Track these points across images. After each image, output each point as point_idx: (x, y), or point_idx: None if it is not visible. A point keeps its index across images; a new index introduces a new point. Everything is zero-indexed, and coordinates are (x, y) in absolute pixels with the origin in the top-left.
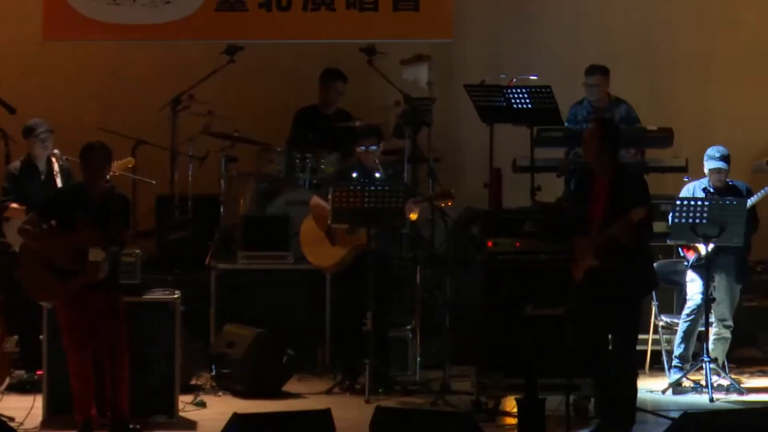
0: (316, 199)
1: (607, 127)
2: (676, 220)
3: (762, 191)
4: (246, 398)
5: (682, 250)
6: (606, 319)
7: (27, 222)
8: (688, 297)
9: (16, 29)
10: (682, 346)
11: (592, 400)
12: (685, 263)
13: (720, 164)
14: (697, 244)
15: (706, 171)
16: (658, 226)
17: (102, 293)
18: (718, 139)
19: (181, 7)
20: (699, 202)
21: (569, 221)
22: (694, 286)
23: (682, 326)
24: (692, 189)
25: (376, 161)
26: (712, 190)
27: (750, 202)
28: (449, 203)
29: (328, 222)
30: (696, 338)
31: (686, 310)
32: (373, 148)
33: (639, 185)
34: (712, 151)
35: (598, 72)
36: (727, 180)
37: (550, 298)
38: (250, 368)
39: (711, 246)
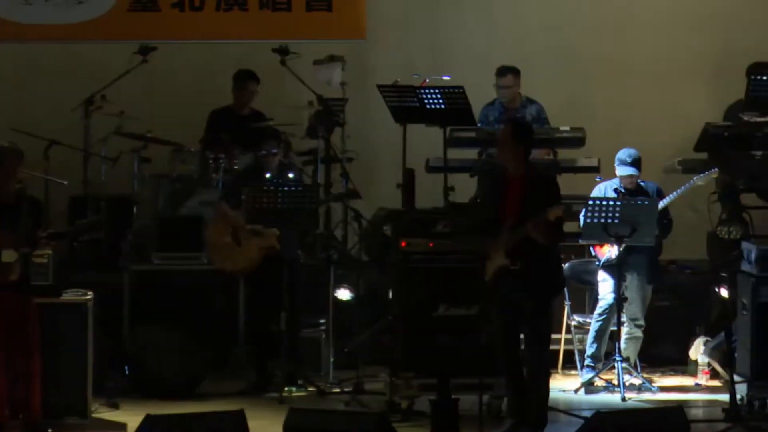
0: (220, 204)
1: (520, 129)
2: (588, 220)
3: (673, 193)
4: (159, 399)
5: (594, 249)
6: (518, 319)
7: None
8: (600, 297)
9: None
10: (594, 345)
11: (505, 399)
12: (597, 262)
13: (630, 170)
14: (608, 244)
15: (617, 174)
16: (570, 226)
17: (14, 295)
18: (630, 140)
19: (94, 7)
20: (611, 202)
21: (482, 221)
22: (605, 286)
23: (594, 326)
24: (604, 189)
25: (290, 163)
26: (623, 191)
27: (662, 203)
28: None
29: (241, 224)
30: (608, 338)
31: (598, 310)
32: (273, 151)
33: (551, 186)
34: (623, 155)
35: (510, 73)
36: (639, 181)
37: (463, 298)
38: (163, 369)
39: (622, 246)
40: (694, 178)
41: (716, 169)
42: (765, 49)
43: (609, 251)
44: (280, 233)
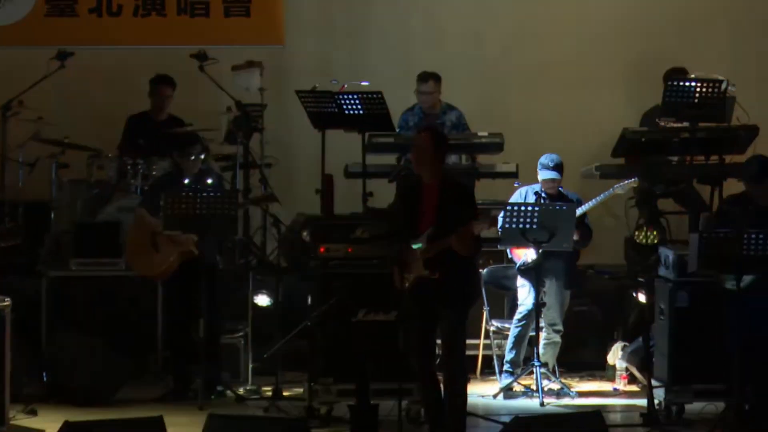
0: (139, 210)
1: (435, 135)
2: (507, 226)
3: (592, 201)
4: (78, 406)
5: (510, 251)
6: (434, 325)
7: None
8: (519, 302)
9: None
10: (513, 350)
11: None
12: (515, 266)
13: (553, 174)
14: (525, 249)
15: (539, 179)
16: (488, 232)
17: None
18: (548, 145)
19: (11, 13)
20: (529, 208)
21: (399, 228)
22: (524, 291)
23: (513, 331)
24: (524, 193)
25: (209, 169)
26: (544, 195)
27: (581, 210)
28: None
29: (159, 229)
30: (527, 343)
31: (517, 315)
32: (194, 157)
33: (465, 192)
34: (546, 159)
35: (431, 79)
36: (560, 188)
37: (382, 304)
38: (81, 375)
39: (540, 251)
40: (614, 186)
41: (635, 179)
42: (680, 54)
43: (525, 254)
44: (198, 239)
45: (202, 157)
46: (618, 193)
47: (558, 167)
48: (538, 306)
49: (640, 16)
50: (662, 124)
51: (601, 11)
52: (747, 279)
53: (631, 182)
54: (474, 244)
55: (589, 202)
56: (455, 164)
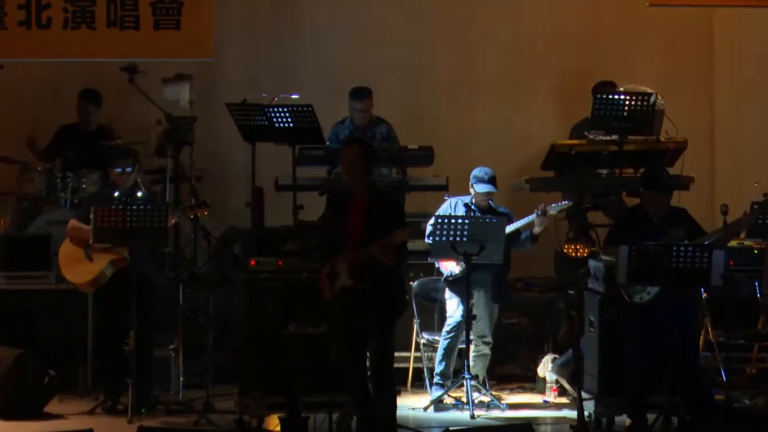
0: (72, 222)
1: (364, 148)
2: (437, 238)
3: (524, 219)
4: (6, 419)
5: (438, 263)
6: (363, 337)
7: None
8: (447, 314)
9: None
10: (443, 363)
11: (355, 417)
12: (442, 278)
13: (488, 187)
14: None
15: (473, 191)
16: (418, 244)
17: None
18: (478, 158)
19: None
20: (459, 220)
21: (329, 240)
22: (453, 304)
23: (442, 343)
24: (454, 204)
25: (138, 182)
26: (474, 208)
27: (511, 228)
28: (205, 212)
29: (90, 241)
30: (456, 355)
31: (446, 328)
32: (128, 170)
33: (394, 205)
34: (481, 173)
35: (366, 97)
36: (490, 201)
37: (312, 317)
38: (10, 389)
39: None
40: (549, 207)
41: (568, 202)
42: (609, 67)
43: (452, 265)
44: (131, 250)
45: (129, 170)
46: (550, 214)
47: (492, 180)
48: (469, 318)
49: (569, 28)
50: (591, 136)
51: (531, 24)
52: (653, 291)
53: (565, 205)
54: (399, 254)
55: (520, 221)
56: (385, 177)
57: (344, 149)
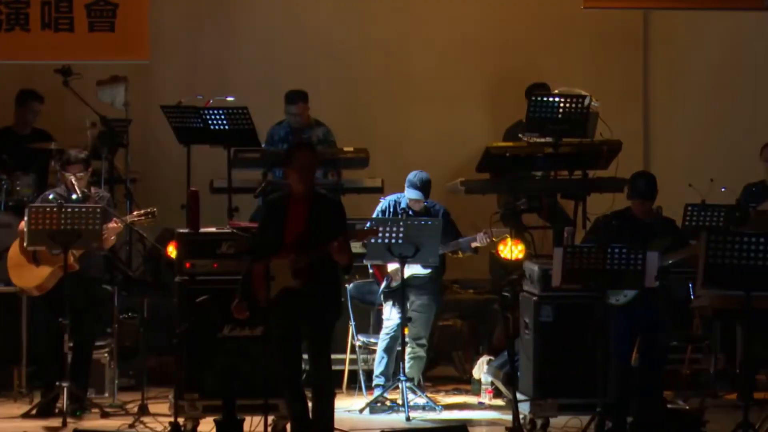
0: (23, 224)
1: (316, 153)
2: (372, 240)
3: (463, 240)
4: None
5: (374, 271)
6: (300, 339)
7: None
8: (384, 317)
9: None
10: (383, 363)
11: (291, 420)
12: (377, 285)
13: (417, 195)
14: (390, 269)
15: (406, 195)
16: (353, 247)
17: None
18: (413, 161)
19: None
20: (395, 222)
21: (265, 242)
22: (389, 306)
23: (380, 345)
24: (388, 203)
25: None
26: (409, 212)
27: (446, 248)
28: (151, 222)
29: (24, 243)
30: (393, 357)
31: (385, 329)
32: (81, 174)
33: (336, 206)
34: (414, 177)
35: (301, 100)
36: (425, 202)
37: (248, 319)
38: None
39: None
40: (494, 232)
41: (508, 230)
42: (544, 70)
43: (386, 279)
44: (79, 254)
45: (81, 175)
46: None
47: (424, 187)
48: (405, 321)
49: (504, 31)
50: (525, 139)
51: (466, 26)
52: (630, 294)
53: (505, 233)
54: (347, 254)
55: (453, 243)
56: (320, 179)
57: (299, 153)
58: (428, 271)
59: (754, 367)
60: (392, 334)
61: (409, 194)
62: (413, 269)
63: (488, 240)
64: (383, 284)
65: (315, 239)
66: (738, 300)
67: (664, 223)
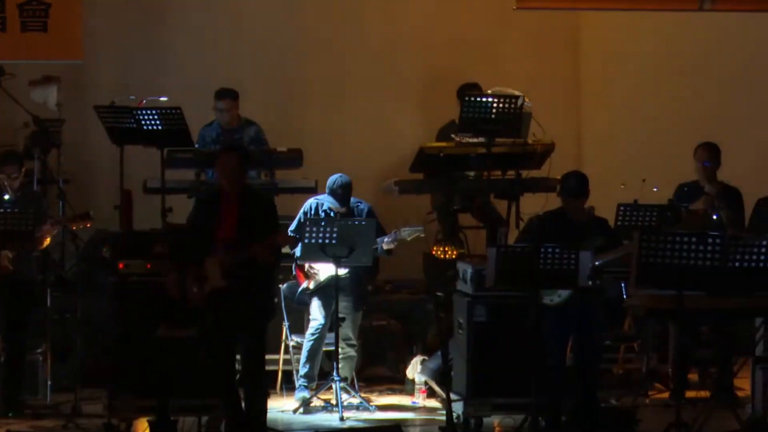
0: None
1: (242, 155)
2: (306, 240)
3: (384, 238)
4: None
5: (295, 271)
6: (234, 340)
7: None
8: (311, 317)
9: None
10: (307, 365)
11: (224, 420)
12: (301, 287)
13: (334, 203)
14: (312, 271)
15: (326, 202)
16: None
17: None
18: (347, 160)
19: None
20: (328, 223)
21: (196, 242)
22: (315, 306)
23: (305, 345)
24: (315, 205)
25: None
26: (333, 214)
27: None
28: (88, 225)
29: None
30: (320, 357)
31: (310, 330)
32: (14, 175)
33: (268, 205)
34: (335, 185)
35: (228, 96)
36: (351, 200)
37: (182, 319)
38: None
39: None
40: (401, 230)
41: (422, 227)
42: (477, 70)
43: (306, 282)
44: (14, 255)
45: (15, 176)
46: (402, 238)
47: (345, 193)
48: (337, 320)
49: (437, 31)
50: (458, 139)
51: (399, 26)
52: (564, 294)
53: (418, 231)
54: (277, 255)
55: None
56: (253, 179)
57: (223, 156)
58: (346, 271)
59: (685, 366)
60: (317, 335)
61: (330, 202)
62: (331, 270)
63: (394, 243)
64: (302, 286)
65: (245, 239)
66: (670, 299)
67: (596, 223)
